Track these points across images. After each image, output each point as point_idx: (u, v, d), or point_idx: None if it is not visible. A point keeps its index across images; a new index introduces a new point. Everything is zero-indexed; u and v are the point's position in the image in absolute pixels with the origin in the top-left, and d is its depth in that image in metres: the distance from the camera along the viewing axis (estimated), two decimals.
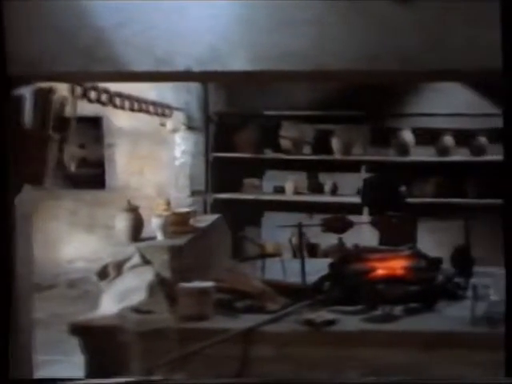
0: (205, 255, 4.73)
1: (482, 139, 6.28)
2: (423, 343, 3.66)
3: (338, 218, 4.52)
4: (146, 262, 4.20)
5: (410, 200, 6.21)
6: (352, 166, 6.44)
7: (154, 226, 4.46)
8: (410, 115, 6.55)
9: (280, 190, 6.75)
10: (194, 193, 6.23)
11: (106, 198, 6.80)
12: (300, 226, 4.47)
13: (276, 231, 6.25)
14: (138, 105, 4.76)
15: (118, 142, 6.82)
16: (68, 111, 3.25)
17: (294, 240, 6.45)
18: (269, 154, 6.71)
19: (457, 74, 2.55)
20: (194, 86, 6.09)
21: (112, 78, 3.06)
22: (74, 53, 2.68)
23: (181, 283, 3.94)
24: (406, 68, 2.41)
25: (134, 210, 4.44)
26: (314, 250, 6.55)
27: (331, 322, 3.77)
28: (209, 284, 3.95)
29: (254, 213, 6.89)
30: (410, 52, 2.45)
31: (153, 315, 3.89)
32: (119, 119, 6.57)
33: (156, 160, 6.81)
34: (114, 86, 4.33)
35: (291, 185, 6.57)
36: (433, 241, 6.37)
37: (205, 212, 6.40)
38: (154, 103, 4.99)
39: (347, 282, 4.28)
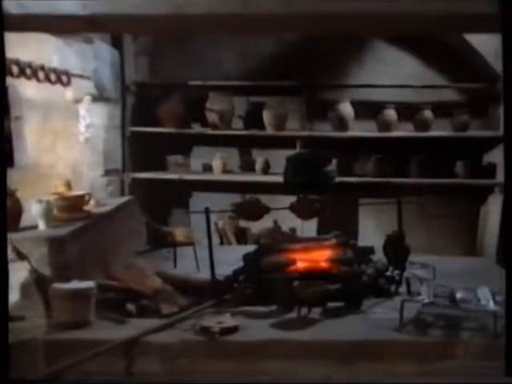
0: (101, 247, 4.06)
1: (427, 113, 5.70)
2: (341, 354, 3.08)
3: (250, 202, 3.89)
4: (20, 256, 3.51)
5: (349, 180, 5.68)
6: (286, 142, 5.81)
7: (34, 213, 3.78)
8: (350, 86, 5.93)
9: (209, 168, 6.09)
10: (108, 172, 5.52)
11: (15, 178, 6.09)
12: (207, 211, 3.82)
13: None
14: (18, 68, 4.04)
15: (26, 114, 6.07)
16: None
17: (221, 224, 5.84)
18: (196, 128, 6.04)
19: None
20: (105, 51, 5.36)
21: None
22: None
23: (54, 284, 3.29)
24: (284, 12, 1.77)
25: (9, 195, 3.73)
26: (243, 236, 5.94)
27: (232, 330, 3.17)
28: (88, 284, 3.30)
29: (180, 194, 6.23)
30: None
31: (23, 322, 3.24)
32: (27, 89, 5.83)
33: (70, 135, 6.07)
34: None
35: (219, 162, 5.91)
36: (374, 225, 5.85)
37: (122, 193, 5.72)
38: (42, 67, 4.25)
39: (260, 278, 3.68)
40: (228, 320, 3.26)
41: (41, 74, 4.30)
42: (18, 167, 6.35)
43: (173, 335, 3.15)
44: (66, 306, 3.19)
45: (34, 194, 4.05)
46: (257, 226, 5.91)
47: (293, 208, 3.87)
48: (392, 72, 5.87)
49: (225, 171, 5.96)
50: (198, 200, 6.20)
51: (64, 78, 4.55)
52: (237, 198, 5.94)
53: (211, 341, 3.06)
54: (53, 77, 4.43)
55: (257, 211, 3.84)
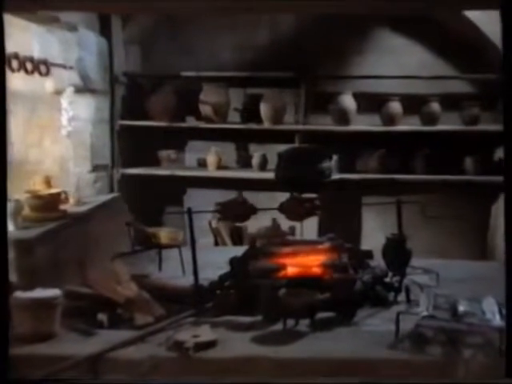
0: (78, 250, 3.77)
1: (435, 106, 5.36)
2: (328, 373, 2.76)
3: (236, 202, 3.58)
4: None
5: (351, 177, 5.39)
6: (284, 137, 5.50)
7: None
8: (352, 77, 5.60)
9: (204, 163, 5.78)
10: (96, 167, 5.23)
11: None
12: (190, 212, 3.52)
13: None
14: None
15: (12, 107, 5.81)
16: None
17: (215, 223, 5.54)
18: (190, 122, 5.74)
19: None
20: (91, 40, 5.06)
21: None
22: None
23: (16, 292, 3.01)
24: None
25: None
26: (239, 235, 5.63)
27: (209, 345, 2.87)
28: (53, 292, 3.01)
29: (174, 191, 5.94)
30: None
31: None
32: (13, 81, 5.57)
33: (58, 129, 5.80)
34: None
35: (213, 158, 5.60)
36: (378, 225, 5.53)
37: (111, 190, 5.44)
38: (16, 56, 3.95)
39: (245, 285, 3.38)
40: (206, 333, 2.96)
41: (15, 63, 3.99)
42: None
43: (143, 350, 2.86)
44: (27, 317, 2.90)
45: (19, 191, 3.78)
46: (254, 225, 5.61)
47: (282, 209, 3.55)
48: (397, 62, 5.55)
49: (220, 167, 5.66)
50: (193, 197, 5.92)
51: (43, 68, 4.25)
52: (233, 194, 5.66)
53: (184, 357, 2.76)
54: (29, 66, 4.13)
55: (243, 212, 3.53)
